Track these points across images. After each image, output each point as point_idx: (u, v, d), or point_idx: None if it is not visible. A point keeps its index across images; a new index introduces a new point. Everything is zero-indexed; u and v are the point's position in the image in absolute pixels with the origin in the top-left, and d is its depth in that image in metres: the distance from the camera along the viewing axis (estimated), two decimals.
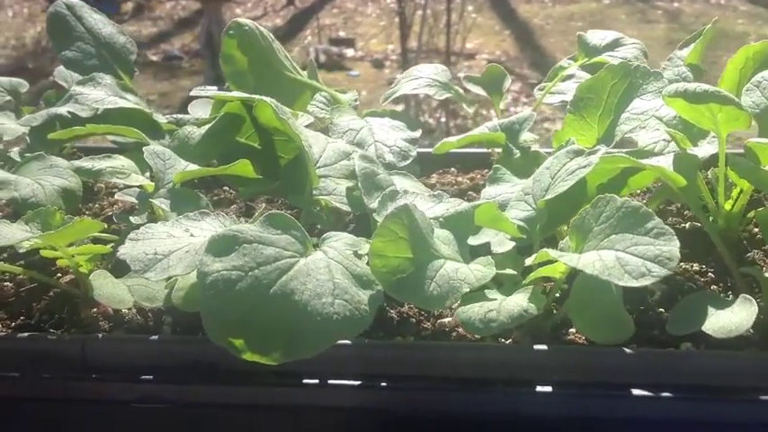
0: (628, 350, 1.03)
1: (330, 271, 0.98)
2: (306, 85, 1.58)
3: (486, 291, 1.06)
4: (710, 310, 1.04)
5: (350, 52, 7.81)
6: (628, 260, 0.92)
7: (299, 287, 0.95)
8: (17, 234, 1.11)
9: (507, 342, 1.10)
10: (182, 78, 7.30)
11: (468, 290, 1.01)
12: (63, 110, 1.44)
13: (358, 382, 1.04)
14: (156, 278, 0.99)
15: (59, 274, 1.29)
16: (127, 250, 1.01)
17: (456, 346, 1.10)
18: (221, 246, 0.96)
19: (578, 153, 1.16)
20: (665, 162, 1.17)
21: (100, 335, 1.12)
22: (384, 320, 1.15)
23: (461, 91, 1.67)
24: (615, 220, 0.98)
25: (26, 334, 1.12)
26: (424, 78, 1.62)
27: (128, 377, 1.07)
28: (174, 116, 1.56)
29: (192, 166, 1.28)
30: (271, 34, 1.53)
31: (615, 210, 0.99)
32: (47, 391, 1.09)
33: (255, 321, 0.92)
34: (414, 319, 1.17)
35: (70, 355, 1.09)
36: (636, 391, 1.00)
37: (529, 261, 1.06)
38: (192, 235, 1.06)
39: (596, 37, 1.63)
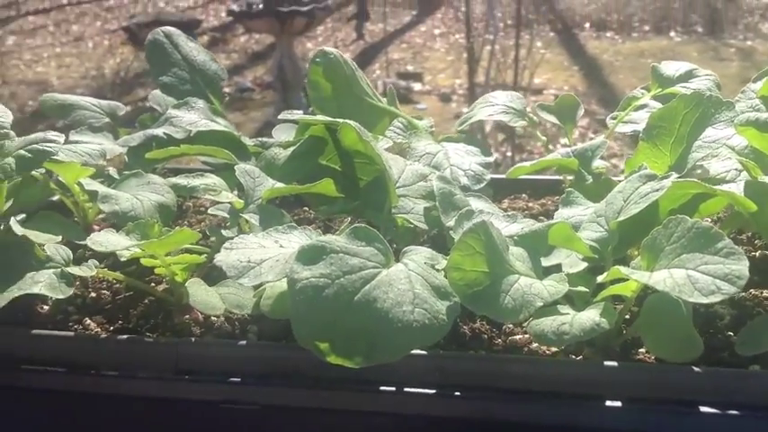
0: (696, 368, 1.06)
1: (410, 282, 1.04)
2: (385, 111, 1.65)
3: (558, 306, 1.11)
4: None
5: (417, 86, 7.90)
6: (698, 278, 0.96)
7: (382, 296, 1.01)
8: (122, 241, 1.19)
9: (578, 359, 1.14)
10: (253, 110, 7.48)
11: (541, 304, 1.06)
12: (159, 131, 1.53)
13: (433, 391, 1.09)
14: (249, 284, 1.06)
15: (153, 284, 1.37)
16: (222, 258, 1.08)
17: (530, 360, 1.14)
18: (310, 255, 1.02)
19: (651, 177, 1.20)
20: (737, 188, 1.20)
21: (193, 339, 1.19)
22: (457, 335, 1.20)
23: (535, 119, 1.71)
24: (686, 240, 1.01)
25: (125, 336, 1.21)
26: (499, 105, 1.66)
27: (216, 379, 1.14)
28: (260, 139, 1.64)
29: (280, 185, 1.36)
30: (354, 62, 1.61)
31: (686, 230, 1.02)
32: (143, 390, 1.17)
33: (340, 326, 0.98)
34: (485, 336, 1.21)
35: (165, 356, 1.16)
36: (704, 408, 1.03)
37: (600, 279, 1.10)
38: (281, 246, 1.13)
39: (670, 68, 1.66)
